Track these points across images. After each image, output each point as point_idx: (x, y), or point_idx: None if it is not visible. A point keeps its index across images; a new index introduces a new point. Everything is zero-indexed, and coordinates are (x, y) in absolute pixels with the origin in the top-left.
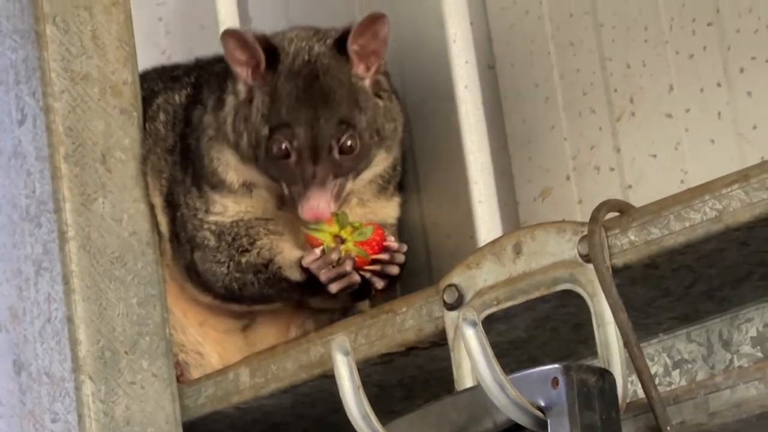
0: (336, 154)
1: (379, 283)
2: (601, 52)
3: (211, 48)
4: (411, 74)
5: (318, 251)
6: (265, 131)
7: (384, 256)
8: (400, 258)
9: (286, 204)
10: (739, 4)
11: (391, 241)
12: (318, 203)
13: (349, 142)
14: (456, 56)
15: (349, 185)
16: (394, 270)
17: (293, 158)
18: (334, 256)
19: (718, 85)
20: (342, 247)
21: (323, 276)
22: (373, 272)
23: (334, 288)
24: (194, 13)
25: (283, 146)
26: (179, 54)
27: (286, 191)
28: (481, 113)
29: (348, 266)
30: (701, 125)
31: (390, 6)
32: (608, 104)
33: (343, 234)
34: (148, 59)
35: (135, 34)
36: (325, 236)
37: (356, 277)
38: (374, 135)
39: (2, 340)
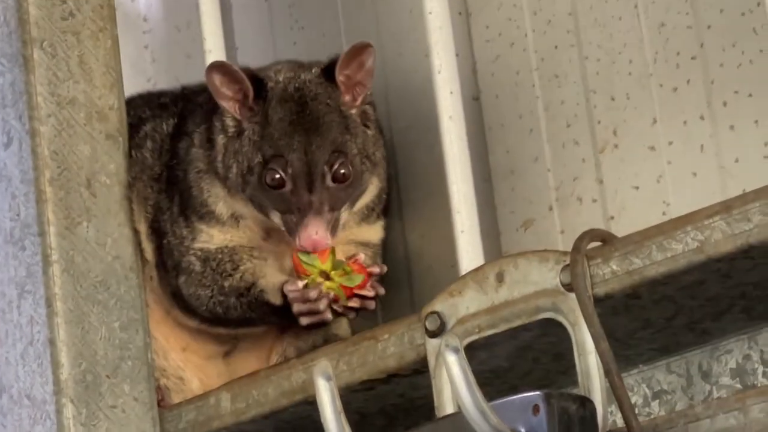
0: (329, 182)
1: (351, 315)
2: (585, 84)
3: (197, 76)
4: (396, 104)
5: (301, 284)
6: (258, 159)
7: (369, 293)
8: (381, 292)
9: (273, 237)
10: (722, 39)
11: (373, 272)
12: (316, 231)
13: (342, 170)
14: (441, 87)
15: (345, 216)
16: (371, 305)
17: (288, 187)
18: (312, 294)
19: (702, 118)
20: (325, 283)
21: (296, 308)
22: (349, 308)
23: (304, 321)
24: (180, 41)
25: (277, 176)
26: (165, 82)
27: (278, 221)
28: (465, 144)
29: (321, 305)
30: (684, 158)
31: (376, 37)
32: (592, 136)
33: (332, 274)
34: (134, 86)
35: (121, 61)
36: (313, 269)
37: (328, 316)
38: (365, 161)
39: None
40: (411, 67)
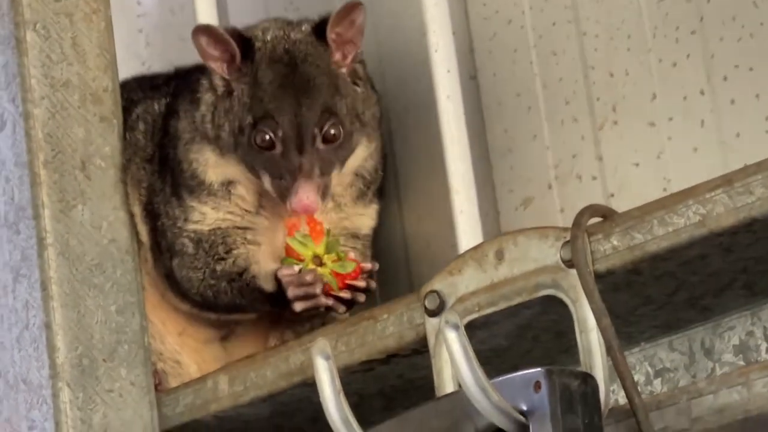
0: (320, 144)
1: (341, 309)
2: (583, 60)
3: (192, 60)
4: (393, 84)
5: (296, 268)
6: (249, 120)
7: (360, 283)
8: (373, 285)
9: (267, 206)
10: (722, 12)
11: (365, 268)
12: (307, 195)
13: (332, 131)
14: (438, 66)
15: (336, 179)
16: (362, 298)
17: (278, 149)
18: (309, 278)
19: (702, 93)
20: (318, 269)
21: (291, 292)
22: (339, 298)
23: (298, 306)
24: (174, 24)
25: (267, 137)
26: (159, 65)
27: (267, 185)
28: (462, 123)
29: (317, 289)
30: (684, 133)
31: (371, 16)
32: (590, 113)
33: (325, 258)
34: (128, 70)
35: (116, 45)
36: (306, 253)
37: (322, 302)
38: (355, 121)
39: None
40: (407, 46)
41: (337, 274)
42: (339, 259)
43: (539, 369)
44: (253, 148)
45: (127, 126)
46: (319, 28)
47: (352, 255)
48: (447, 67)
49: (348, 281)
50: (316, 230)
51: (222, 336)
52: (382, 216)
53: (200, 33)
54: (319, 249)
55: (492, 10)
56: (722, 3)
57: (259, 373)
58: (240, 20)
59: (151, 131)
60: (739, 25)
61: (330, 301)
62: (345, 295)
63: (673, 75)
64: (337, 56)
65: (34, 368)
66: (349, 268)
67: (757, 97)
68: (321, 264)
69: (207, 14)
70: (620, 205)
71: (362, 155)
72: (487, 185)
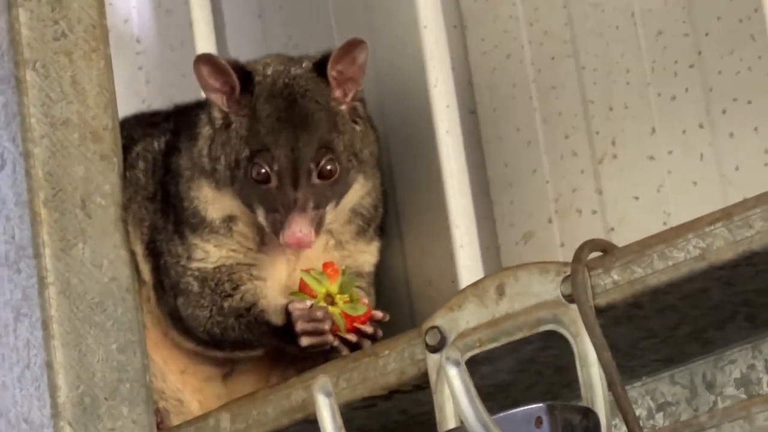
0: (315, 179)
1: (345, 351)
2: (582, 94)
3: (192, 96)
4: (392, 119)
5: (308, 303)
6: (246, 153)
7: (368, 329)
8: (379, 333)
9: (268, 244)
10: (720, 46)
11: (376, 316)
12: (300, 228)
13: (328, 167)
14: (437, 101)
15: (330, 216)
16: (367, 344)
17: (273, 183)
18: (319, 314)
19: (701, 126)
20: (330, 308)
21: (300, 326)
22: (345, 341)
23: (305, 341)
24: (174, 61)
25: (263, 170)
26: (159, 102)
27: (261, 219)
28: (462, 158)
29: (326, 326)
30: (684, 167)
31: (371, 52)
32: (590, 147)
33: (337, 298)
34: (128, 108)
35: (115, 82)
36: (320, 290)
37: (329, 339)
38: (352, 158)
39: None
40: (407, 82)
41: (346, 316)
42: (351, 300)
43: (540, 404)
44: (249, 181)
45: (128, 164)
46: (320, 65)
47: (365, 300)
48: (446, 102)
49: (356, 324)
50: (332, 269)
51: (224, 374)
52: (383, 251)
53: (202, 62)
54: (333, 288)
55: (491, 44)
56: (720, 37)
57: (261, 410)
58: (239, 55)
59: (152, 169)
60: (737, 58)
61: (336, 341)
62: (351, 338)
63: (672, 108)
64: (338, 93)
65: (35, 407)
66: (360, 311)
67: (755, 130)
68: (332, 303)
69: (206, 50)
70: (621, 239)
71: (359, 193)
72: (487, 220)
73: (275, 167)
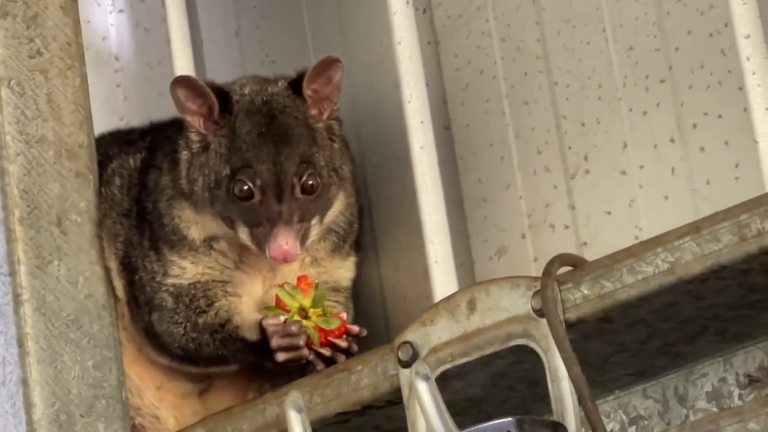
0: (298, 194)
1: (320, 365)
2: (555, 110)
3: (170, 114)
4: (367, 135)
5: (282, 318)
6: (226, 172)
7: (343, 344)
8: (354, 348)
9: (246, 262)
10: (691, 61)
11: (352, 330)
12: (286, 241)
13: (310, 182)
14: (412, 117)
15: (315, 230)
16: (341, 359)
17: (257, 198)
18: (294, 329)
19: (672, 141)
20: (303, 322)
21: (275, 342)
22: (320, 355)
23: (281, 357)
24: (152, 79)
25: (246, 187)
26: (137, 120)
27: (244, 237)
28: (437, 173)
29: (301, 341)
30: (655, 181)
31: (346, 67)
32: (563, 162)
33: (311, 312)
34: (106, 125)
35: (93, 100)
36: (293, 304)
37: (305, 353)
38: (333, 174)
39: None
40: (382, 98)
41: (320, 330)
42: (324, 314)
43: (510, 419)
44: (231, 198)
45: (103, 181)
46: (296, 83)
47: (344, 315)
48: (421, 118)
49: (330, 338)
50: (306, 283)
51: (200, 390)
52: (359, 267)
53: (178, 85)
54: (306, 302)
55: (464, 60)
56: (691, 51)
57: (236, 426)
58: (217, 73)
59: (127, 186)
60: (708, 72)
61: (311, 355)
62: (325, 352)
63: (643, 123)
64: (314, 112)
65: (11, 424)
66: (333, 324)
67: (726, 144)
68: (306, 317)
69: (184, 68)
70: (593, 254)
71: (338, 209)
72: (461, 235)
73: (258, 182)
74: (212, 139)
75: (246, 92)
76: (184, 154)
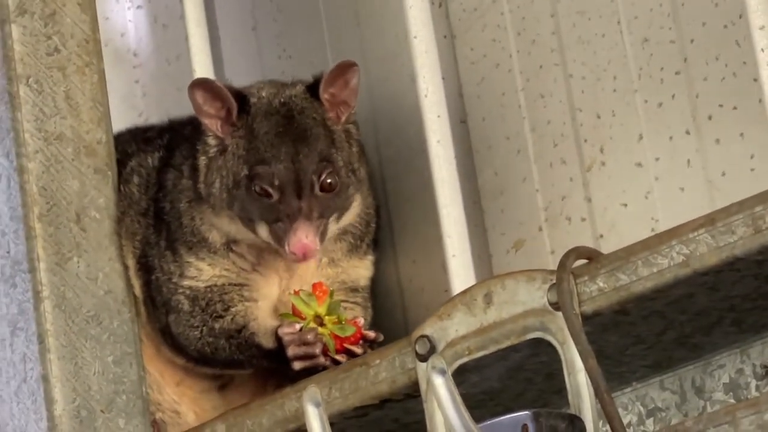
0: (317, 191)
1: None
2: (570, 103)
3: (188, 109)
4: (384, 129)
5: (297, 326)
6: (245, 171)
7: (358, 350)
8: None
9: (263, 263)
10: (706, 53)
11: (368, 336)
12: (305, 235)
13: (329, 180)
14: (428, 111)
15: (332, 227)
16: None
17: (276, 196)
18: (309, 337)
19: (687, 132)
20: (319, 329)
21: (291, 351)
22: (336, 361)
23: (297, 365)
24: (171, 75)
25: (265, 185)
26: (156, 116)
27: (265, 235)
28: (453, 167)
29: (317, 349)
30: (671, 173)
31: (362, 63)
32: (579, 155)
33: (326, 319)
34: (125, 121)
35: (112, 96)
36: (308, 312)
37: (321, 361)
38: (351, 175)
39: None
40: (398, 92)
41: (335, 337)
42: (339, 321)
43: (526, 412)
44: (251, 197)
45: (122, 179)
46: (313, 87)
47: (361, 321)
48: (437, 112)
49: (346, 345)
50: (321, 290)
51: (220, 385)
52: (377, 261)
53: (197, 87)
54: (322, 309)
55: (480, 54)
56: (706, 43)
57: (255, 420)
58: (235, 68)
59: (146, 185)
60: (722, 64)
61: (327, 362)
62: (341, 358)
63: (658, 115)
64: (332, 116)
65: (32, 421)
66: (348, 332)
67: (741, 136)
68: (322, 324)
69: (202, 63)
70: (610, 246)
71: (355, 211)
72: (478, 229)
73: (277, 181)
74: (230, 142)
75: (264, 95)
76: (201, 160)
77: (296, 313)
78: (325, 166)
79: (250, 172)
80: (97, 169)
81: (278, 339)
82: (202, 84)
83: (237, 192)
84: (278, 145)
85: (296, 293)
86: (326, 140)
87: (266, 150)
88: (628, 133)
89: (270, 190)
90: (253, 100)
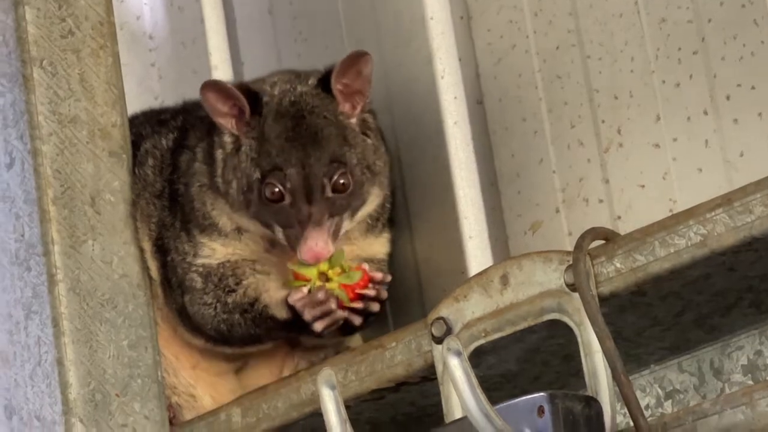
0: (329, 193)
1: (357, 320)
2: (588, 83)
3: None
4: (400, 111)
5: (305, 290)
6: (257, 175)
7: (370, 292)
8: (383, 294)
9: (277, 248)
10: (723, 32)
11: (375, 278)
12: (316, 243)
13: (342, 180)
14: (444, 92)
15: (346, 224)
16: (375, 307)
17: (287, 201)
18: (321, 296)
19: (705, 113)
20: (327, 285)
21: (308, 314)
22: (353, 309)
23: (318, 326)
24: (186, 57)
25: (276, 190)
26: (172, 99)
27: (280, 236)
28: (470, 149)
29: (332, 304)
30: (689, 154)
31: (378, 45)
32: (596, 136)
33: (330, 273)
34: (141, 104)
35: (128, 79)
36: (311, 273)
37: (340, 314)
38: (365, 171)
39: None
40: (414, 74)
41: (345, 287)
42: (344, 271)
43: (542, 393)
44: (263, 201)
45: (136, 161)
46: (325, 80)
47: (365, 266)
48: (454, 93)
49: (358, 291)
50: None
51: (236, 369)
52: (394, 244)
53: (208, 89)
54: (323, 266)
55: (496, 35)
56: (723, 23)
57: (271, 404)
58: (250, 50)
59: (160, 166)
60: (740, 44)
61: (345, 314)
62: (357, 305)
63: (676, 96)
64: (346, 107)
65: (47, 404)
66: (356, 277)
67: (759, 116)
68: (328, 280)
69: (218, 46)
70: (627, 227)
71: (373, 204)
72: (495, 210)
73: (288, 185)
74: (244, 141)
75: (276, 92)
76: (218, 153)
77: (300, 278)
78: (337, 167)
79: (261, 176)
80: (111, 152)
81: (291, 308)
82: (212, 85)
83: (251, 195)
84: (288, 149)
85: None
86: (338, 139)
87: (277, 155)
88: (646, 114)
89: (281, 195)
90: (265, 99)
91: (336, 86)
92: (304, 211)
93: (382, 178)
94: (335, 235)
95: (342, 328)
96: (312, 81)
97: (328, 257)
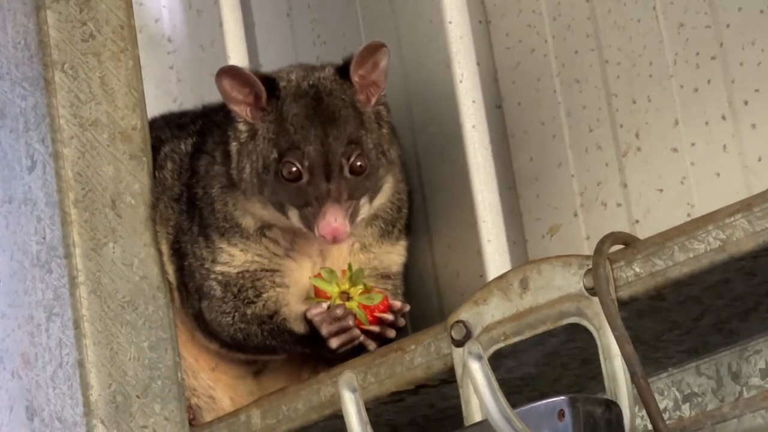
0: (347, 173)
1: (372, 345)
2: (606, 88)
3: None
4: (419, 115)
5: (324, 305)
6: (274, 155)
7: (388, 317)
8: (401, 322)
9: (297, 248)
10: (742, 37)
11: (394, 306)
12: (335, 218)
13: (359, 162)
14: (463, 96)
15: (364, 210)
16: (391, 334)
17: (305, 179)
18: (339, 312)
19: (723, 118)
20: (347, 304)
21: (325, 329)
22: (370, 333)
23: (334, 343)
24: (205, 60)
25: (294, 169)
26: (191, 102)
27: (294, 219)
28: (488, 152)
29: (350, 321)
30: (707, 159)
31: (397, 48)
32: (614, 140)
33: (351, 292)
34: (160, 107)
35: (147, 82)
36: (332, 290)
37: (357, 333)
38: (381, 157)
39: (15, 386)
40: (433, 78)
41: (365, 307)
42: (366, 290)
43: (563, 397)
44: (280, 181)
45: (156, 165)
46: (343, 70)
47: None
48: (472, 97)
49: (377, 314)
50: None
51: (255, 371)
52: (412, 247)
53: (224, 75)
54: (345, 285)
55: (515, 39)
56: (741, 28)
57: (290, 406)
58: (269, 54)
59: (179, 170)
60: (759, 49)
61: (362, 336)
62: (374, 328)
63: (694, 100)
64: (362, 97)
65: (68, 406)
66: (377, 299)
67: None
68: (349, 299)
69: (236, 49)
70: (645, 232)
71: (387, 194)
72: (514, 214)
73: (306, 163)
74: (260, 126)
75: (293, 78)
76: (233, 146)
77: (320, 295)
78: (354, 148)
79: (279, 155)
80: (132, 155)
81: (309, 323)
82: (228, 71)
83: (267, 176)
84: (307, 127)
85: (317, 276)
86: (355, 122)
87: (295, 132)
88: (664, 119)
89: (299, 173)
90: (282, 83)
91: (353, 77)
92: (322, 188)
93: (396, 169)
94: (353, 218)
95: (354, 350)
96: (329, 69)
97: (345, 239)
